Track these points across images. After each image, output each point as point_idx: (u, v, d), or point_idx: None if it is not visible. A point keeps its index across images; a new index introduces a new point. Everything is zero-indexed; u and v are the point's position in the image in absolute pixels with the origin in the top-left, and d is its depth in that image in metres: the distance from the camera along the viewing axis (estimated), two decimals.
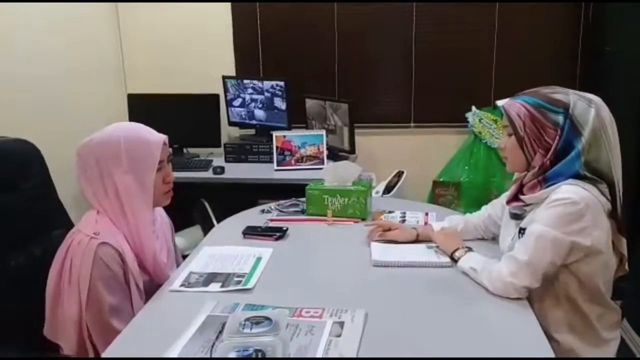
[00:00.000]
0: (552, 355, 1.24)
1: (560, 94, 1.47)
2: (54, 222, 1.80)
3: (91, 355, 1.46)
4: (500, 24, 3.45)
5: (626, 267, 1.55)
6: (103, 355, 1.29)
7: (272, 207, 2.30)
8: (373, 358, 1.21)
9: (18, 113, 2.63)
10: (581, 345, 1.49)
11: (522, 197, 1.53)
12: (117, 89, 3.59)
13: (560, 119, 1.44)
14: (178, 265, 1.80)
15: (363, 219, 2.11)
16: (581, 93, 1.48)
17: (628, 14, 2.91)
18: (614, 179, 1.45)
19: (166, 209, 1.78)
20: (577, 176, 1.42)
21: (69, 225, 1.83)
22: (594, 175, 1.43)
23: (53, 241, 1.69)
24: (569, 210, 1.38)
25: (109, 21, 3.54)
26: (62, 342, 1.49)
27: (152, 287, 1.61)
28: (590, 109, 1.44)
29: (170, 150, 1.69)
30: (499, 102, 1.58)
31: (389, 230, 1.88)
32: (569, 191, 1.39)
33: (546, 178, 1.46)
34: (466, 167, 3.47)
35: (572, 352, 1.48)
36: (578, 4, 3.38)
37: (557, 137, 1.44)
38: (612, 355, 1.53)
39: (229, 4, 3.54)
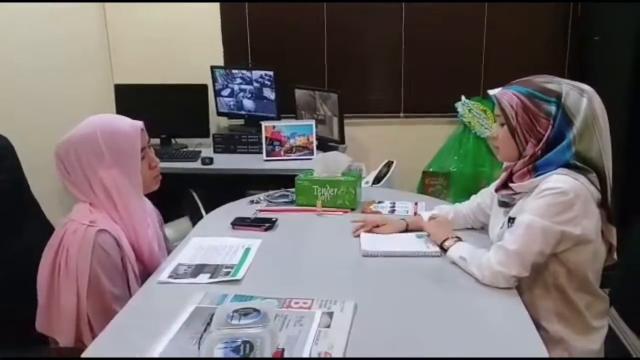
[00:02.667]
0: (541, 344, 1.24)
1: (553, 83, 1.46)
2: (27, 217, 1.76)
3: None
4: (490, 13, 3.45)
5: (615, 256, 1.55)
6: (86, 353, 1.27)
7: (261, 197, 2.28)
8: (362, 357, 1.20)
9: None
10: (570, 334, 1.49)
11: (511, 185, 1.53)
12: (104, 79, 3.54)
13: (552, 108, 1.43)
14: (169, 254, 1.78)
15: (353, 209, 2.10)
16: (574, 82, 1.47)
17: (616, 3, 2.92)
18: (605, 169, 1.45)
19: (154, 199, 1.76)
20: (567, 165, 1.42)
21: (43, 220, 1.81)
22: (584, 164, 1.42)
23: (27, 237, 1.67)
24: (559, 200, 1.38)
25: (96, 13, 3.48)
26: (58, 335, 1.47)
27: (145, 276, 1.60)
28: (582, 98, 1.43)
29: (158, 140, 1.67)
30: (491, 92, 1.57)
31: (377, 227, 1.86)
32: (558, 181, 1.39)
33: (536, 167, 1.46)
34: (455, 157, 3.47)
35: (561, 340, 1.49)
36: None
37: (550, 127, 1.44)
38: (601, 342, 1.54)
39: None
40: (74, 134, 1.53)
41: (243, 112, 3.48)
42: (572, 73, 3.34)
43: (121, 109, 3.18)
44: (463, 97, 3.48)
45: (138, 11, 3.53)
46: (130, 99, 3.30)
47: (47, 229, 1.67)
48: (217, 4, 3.52)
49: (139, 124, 1.59)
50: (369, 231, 1.85)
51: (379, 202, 2.18)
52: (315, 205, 2.12)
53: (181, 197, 3.06)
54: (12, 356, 1.58)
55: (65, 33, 3.11)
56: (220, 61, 3.57)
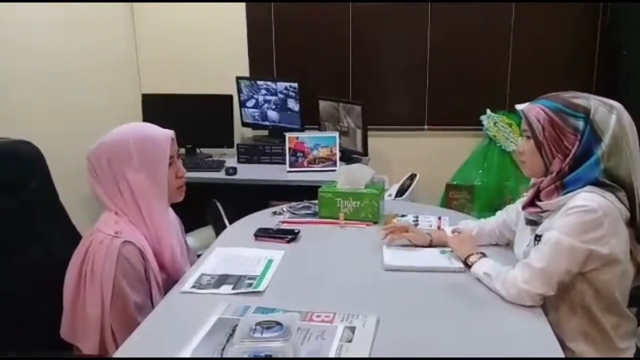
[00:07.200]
0: None
1: (581, 98, 1.45)
2: (55, 225, 1.78)
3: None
4: (516, 26, 3.43)
5: None
6: None
7: (284, 209, 2.29)
8: None
9: (26, 113, 2.63)
10: (596, 355, 1.46)
11: (539, 203, 1.51)
12: (131, 89, 3.60)
13: (580, 124, 1.42)
14: (192, 263, 1.80)
15: (375, 222, 2.09)
16: (602, 99, 1.45)
17: None
18: (634, 187, 1.42)
19: (178, 208, 1.78)
20: (596, 183, 1.40)
21: (70, 228, 1.83)
22: (613, 182, 1.40)
23: (54, 244, 1.69)
24: (587, 218, 1.36)
25: (124, 21, 3.55)
26: (82, 343, 1.49)
27: (169, 284, 1.62)
28: (611, 115, 1.41)
29: (183, 150, 1.69)
30: (518, 106, 1.55)
31: (406, 231, 1.85)
32: (586, 199, 1.37)
33: (564, 184, 1.44)
34: (480, 171, 3.44)
35: None
36: (595, 5, 3.34)
37: (577, 143, 1.42)
38: None
39: (243, 4, 3.55)
40: (106, 139, 1.58)
41: (267, 123, 3.50)
42: (600, 88, 3.30)
43: (147, 119, 3.22)
44: (488, 110, 3.45)
45: (165, 22, 3.59)
46: (157, 108, 3.35)
47: (74, 238, 1.70)
48: (244, 16, 3.56)
49: (170, 132, 1.63)
50: (399, 235, 1.83)
51: (402, 216, 2.17)
52: (337, 218, 2.12)
53: (205, 207, 3.08)
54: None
55: (94, 42, 3.17)
56: (245, 72, 3.60)
